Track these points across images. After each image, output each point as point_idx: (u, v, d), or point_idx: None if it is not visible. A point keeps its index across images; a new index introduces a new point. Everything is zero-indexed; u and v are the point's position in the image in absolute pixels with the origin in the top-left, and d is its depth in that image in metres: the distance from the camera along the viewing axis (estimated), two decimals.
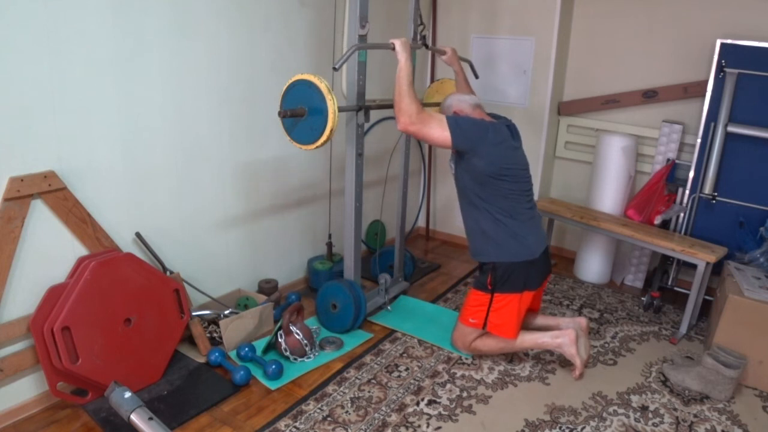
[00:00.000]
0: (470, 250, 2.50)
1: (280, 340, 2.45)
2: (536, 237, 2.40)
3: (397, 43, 2.26)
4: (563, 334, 2.41)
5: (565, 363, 2.55)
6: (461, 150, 2.25)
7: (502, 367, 2.51)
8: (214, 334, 2.53)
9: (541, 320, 2.63)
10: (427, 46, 2.73)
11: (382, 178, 3.63)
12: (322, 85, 2.08)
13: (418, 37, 2.73)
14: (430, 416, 2.16)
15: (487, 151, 2.22)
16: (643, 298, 3.24)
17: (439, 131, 2.19)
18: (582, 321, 2.52)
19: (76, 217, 2.07)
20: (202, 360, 2.41)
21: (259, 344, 2.54)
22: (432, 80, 3.93)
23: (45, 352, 1.93)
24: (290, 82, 2.18)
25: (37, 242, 1.99)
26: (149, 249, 2.37)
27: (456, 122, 2.22)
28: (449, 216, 4.20)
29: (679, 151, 3.25)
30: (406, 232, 4.04)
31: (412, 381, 2.39)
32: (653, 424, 2.17)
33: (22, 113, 1.87)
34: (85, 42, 2.00)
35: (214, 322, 2.58)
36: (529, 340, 2.44)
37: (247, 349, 2.44)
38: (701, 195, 3.04)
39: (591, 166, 3.53)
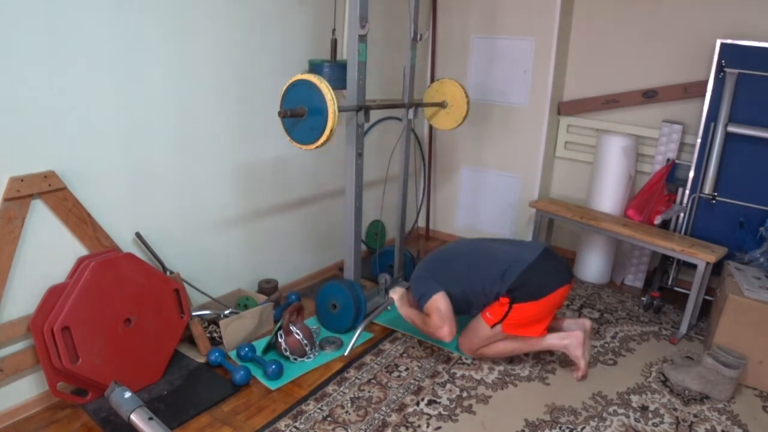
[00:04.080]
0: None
1: (280, 340, 2.45)
2: (514, 251, 2.45)
3: (396, 298, 2.60)
4: (570, 336, 2.41)
5: (565, 363, 2.55)
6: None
7: (502, 367, 2.51)
8: (214, 334, 2.53)
9: None
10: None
11: (382, 178, 3.63)
12: (323, 85, 2.08)
13: (418, 36, 2.74)
14: (430, 416, 2.16)
15: (446, 285, 2.44)
16: (643, 298, 3.23)
17: (443, 315, 2.39)
18: (586, 322, 2.52)
19: (76, 217, 2.07)
20: (202, 360, 2.41)
21: (259, 344, 2.54)
22: (432, 80, 3.93)
23: (45, 352, 1.93)
24: (290, 81, 2.18)
25: (37, 242, 1.99)
26: (149, 249, 2.37)
27: (429, 301, 2.41)
28: (449, 216, 4.20)
29: (679, 151, 3.25)
30: (406, 232, 4.04)
31: (412, 381, 2.39)
32: (653, 424, 2.17)
33: (22, 113, 1.87)
34: (85, 42, 2.01)
35: (214, 322, 2.58)
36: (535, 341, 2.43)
37: (247, 349, 2.44)
38: (701, 195, 3.04)
39: (591, 166, 3.53)
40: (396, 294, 2.60)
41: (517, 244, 2.57)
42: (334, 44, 2.82)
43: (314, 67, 2.82)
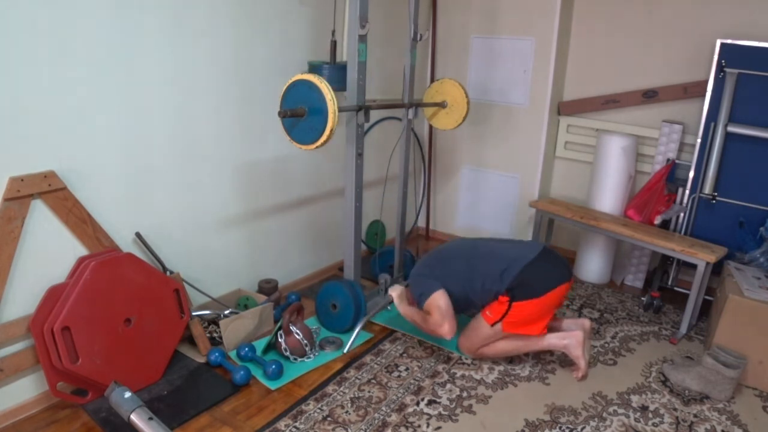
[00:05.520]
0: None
1: (280, 340, 2.45)
2: (513, 250, 2.46)
3: (395, 296, 2.59)
4: (570, 336, 2.41)
5: (565, 363, 2.55)
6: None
7: (502, 367, 2.51)
8: (214, 334, 2.54)
9: None
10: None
11: (382, 178, 3.63)
12: (323, 85, 2.08)
13: (418, 36, 2.74)
14: (430, 416, 2.16)
15: (445, 284, 2.45)
16: (643, 298, 3.23)
17: (443, 312, 2.39)
18: (585, 322, 2.52)
19: (76, 217, 2.08)
20: (202, 360, 2.41)
21: (259, 344, 2.54)
22: (432, 80, 3.93)
23: (45, 352, 1.93)
24: (290, 82, 2.18)
25: (37, 242, 1.99)
26: (149, 249, 2.37)
27: (429, 298, 2.42)
28: (449, 216, 4.20)
29: (679, 151, 3.25)
30: (406, 232, 4.04)
31: (412, 381, 2.39)
32: (653, 424, 2.17)
33: (22, 113, 1.88)
34: (85, 42, 2.01)
35: (214, 322, 2.58)
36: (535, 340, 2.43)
37: (247, 349, 2.44)
38: (701, 195, 3.04)
39: (591, 166, 3.53)
40: (395, 292, 2.60)
41: (516, 243, 2.57)
42: (334, 45, 2.82)
43: (313, 69, 2.82)
